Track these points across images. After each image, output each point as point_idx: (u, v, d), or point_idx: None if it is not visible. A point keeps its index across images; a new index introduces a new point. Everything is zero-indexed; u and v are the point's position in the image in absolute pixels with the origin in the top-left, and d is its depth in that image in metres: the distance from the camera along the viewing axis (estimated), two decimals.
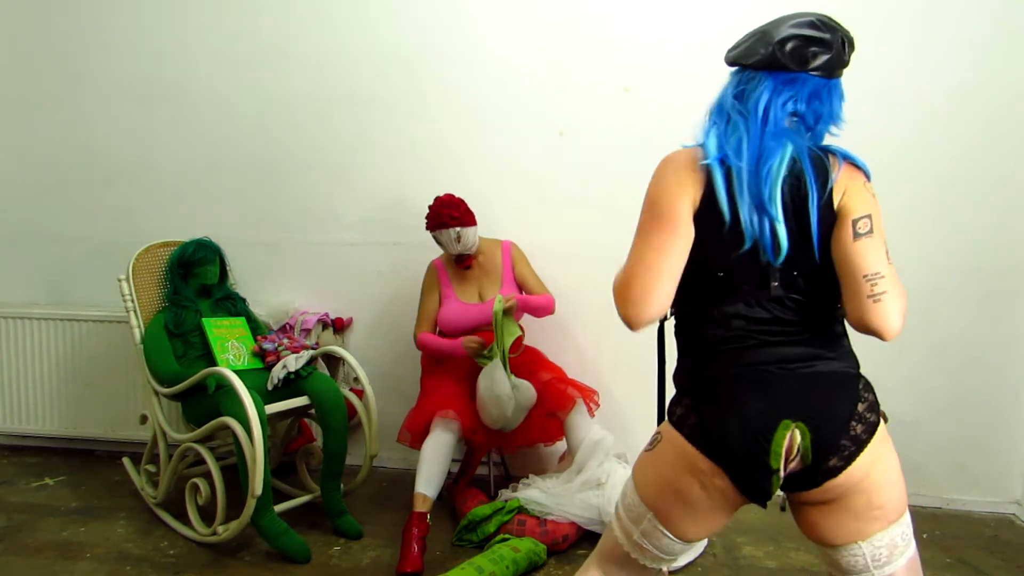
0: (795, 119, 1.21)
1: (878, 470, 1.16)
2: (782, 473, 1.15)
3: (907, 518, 1.20)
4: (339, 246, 3.02)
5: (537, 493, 2.43)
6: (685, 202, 1.19)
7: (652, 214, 1.20)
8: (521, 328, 2.49)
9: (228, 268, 2.76)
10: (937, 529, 2.58)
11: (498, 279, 2.64)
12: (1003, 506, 2.75)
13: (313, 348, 2.59)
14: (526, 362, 2.59)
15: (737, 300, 1.21)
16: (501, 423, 2.41)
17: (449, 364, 2.61)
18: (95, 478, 2.88)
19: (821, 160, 1.19)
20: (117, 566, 2.21)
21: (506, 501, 2.42)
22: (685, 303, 1.27)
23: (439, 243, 2.58)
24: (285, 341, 2.58)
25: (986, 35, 2.58)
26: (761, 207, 1.16)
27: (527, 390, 2.43)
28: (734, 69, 1.30)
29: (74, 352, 3.06)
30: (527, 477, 2.62)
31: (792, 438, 1.14)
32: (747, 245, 1.17)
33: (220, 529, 2.26)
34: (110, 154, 3.12)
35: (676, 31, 2.71)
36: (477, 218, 2.57)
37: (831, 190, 1.17)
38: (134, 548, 2.33)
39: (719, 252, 1.20)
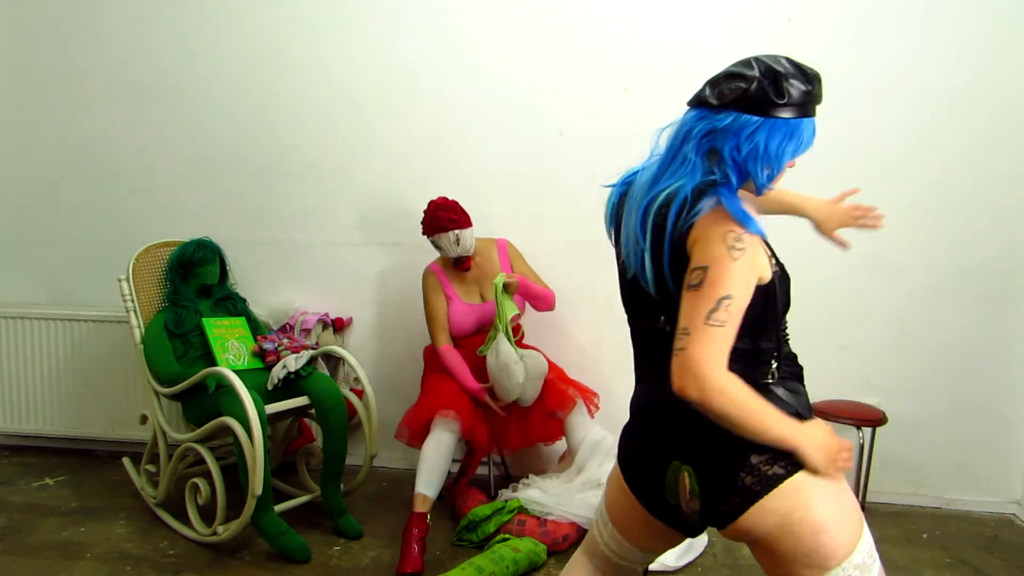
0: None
1: (793, 519, 1.10)
2: (685, 509, 1.19)
3: (853, 560, 1.11)
4: (339, 246, 3.02)
5: (537, 493, 2.43)
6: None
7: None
8: (520, 309, 2.50)
9: (228, 268, 2.76)
10: (937, 529, 2.58)
11: (496, 275, 2.63)
12: (1003, 506, 2.75)
13: (313, 348, 2.60)
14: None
15: (637, 329, 1.27)
16: (517, 392, 2.42)
17: None
18: (95, 478, 2.88)
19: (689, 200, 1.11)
20: (117, 566, 2.21)
21: (506, 501, 2.42)
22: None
23: (437, 247, 2.57)
24: (285, 341, 2.58)
25: (986, 35, 2.58)
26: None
27: (535, 357, 2.45)
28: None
29: (74, 352, 3.06)
30: (527, 477, 2.62)
31: (682, 480, 1.17)
32: (629, 274, 1.21)
33: (220, 529, 2.26)
34: (110, 154, 3.12)
35: (676, 31, 2.71)
36: (475, 219, 2.57)
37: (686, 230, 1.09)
38: (134, 548, 2.33)
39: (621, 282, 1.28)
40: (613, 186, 1.26)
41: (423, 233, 2.57)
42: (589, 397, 2.54)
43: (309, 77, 2.96)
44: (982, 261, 2.66)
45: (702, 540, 2.37)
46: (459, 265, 2.58)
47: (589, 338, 2.90)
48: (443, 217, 2.49)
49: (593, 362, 2.88)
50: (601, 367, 2.86)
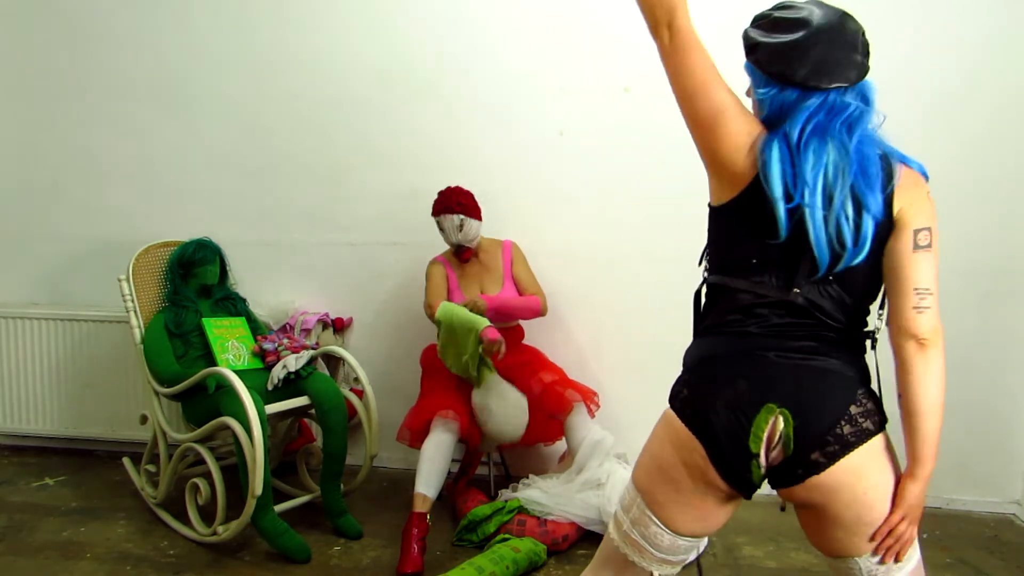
0: None
1: (869, 484, 1.13)
2: (763, 460, 1.13)
3: None
4: (339, 246, 3.02)
5: (537, 493, 2.43)
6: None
7: None
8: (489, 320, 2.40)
9: (228, 268, 2.76)
10: (937, 529, 2.58)
11: (499, 278, 2.64)
12: (1003, 506, 2.75)
13: (313, 348, 2.60)
14: (526, 362, 2.59)
15: (762, 287, 1.18)
16: (506, 431, 2.43)
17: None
18: (95, 478, 2.88)
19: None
20: (117, 566, 2.21)
21: (506, 501, 2.42)
22: (714, 275, 1.27)
23: (441, 229, 2.57)
24: (285, 341, 2.58)
25: (986, 35, 2.58)
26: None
27: (508, 397, 2.44)
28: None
29: (74, 352, 3.06)
30: (527, 477, 2.62)
31: (775, 424, 1.12)
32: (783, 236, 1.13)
33: (220, 529, 2.26)
34: (110, 154, 3.12)
35: None
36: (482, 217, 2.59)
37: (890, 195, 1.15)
38: (134, 548, 2.33)
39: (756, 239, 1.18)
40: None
41: (432, 213, 2.58)
42: (589, 397, 2.54)
43: (309, 77, 2.96)
44: (982, 261, 2.66)
45: (702, 541, 2.36)
46: (460, 254, 2.59)
47: (589, 338, 2.90)
48: (453, 201, 2.52)
49: (593, 362, 2.88)
50: (601, 367, 2.86)
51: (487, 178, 2.87)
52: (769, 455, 1.14)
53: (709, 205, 1.28)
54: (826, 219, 1.12)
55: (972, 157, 2.63)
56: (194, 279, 2.60)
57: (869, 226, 1.12)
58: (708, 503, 1.20)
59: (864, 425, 1.14)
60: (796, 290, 1.16)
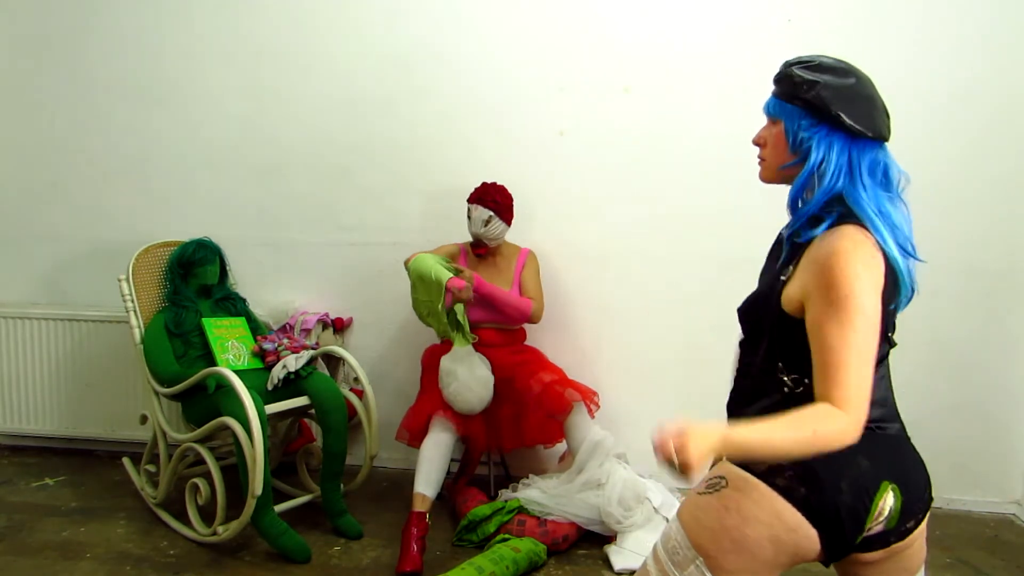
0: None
1: (923, 535, 1.20)
2: (869, 534, 1.13)
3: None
4: (339, 246, 3.02)
5: (537, 493, 2.43)
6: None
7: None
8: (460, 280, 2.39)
9: (228, 268, 2.76)
10: (937, 529, 2.58)
11: (508, 280, 2.65)
12: (1003, 506, 2.75)
13: (313, 348, 2.60)
14: (526, 362, 2.59)
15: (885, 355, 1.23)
16: (467, 399, 2.41)
17: None
18: (95, 478, 2.88)
19: None
20: (117, 566, 2.21)
21: (506, 501, 2.42)
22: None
23: (468, 217, 2.59)
24: (285, 341, 2.58)
25: (986, 35, 2.58)
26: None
27: (477, 370, 2.44)
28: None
29: (74, 352, 3.06)
30: (527, 477, 2.62)
31: (886, 500, 1.12)
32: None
33: (220, 529, 2.26)
34: (110, 154, 3.12)
35: (676, 31, 2.71)
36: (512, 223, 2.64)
37: None
38: (134, 548, 2.33)
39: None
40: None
41: (467, 200, 2.61)
42: (589, 397, 2.54)
43: (309, 77, 2.96)
44: (982, 261, 2.66)
45: None
46: (476, 247, 2.63)
47: (589, 338, 2.90)
48: (489, 195, 2.56)
49: (593, 362, 2.87)
50: (601, 367, 2.86)
51: (487, 178, 2.86)
52: (876, 528, 1.13)
53: None
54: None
55: (972, 157, 2.63)
56: (194, 279, 2.61)
57: None
58: (777, 570, 1.16)
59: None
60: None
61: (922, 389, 2.71)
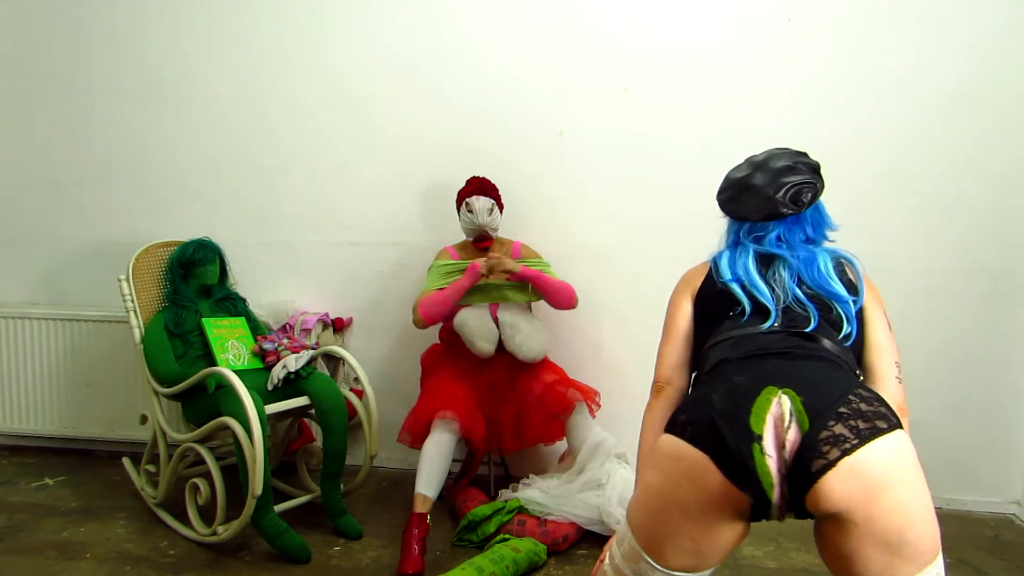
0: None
1: (910, 492, 1.04)
2: (770, 446, 1.05)
3: (940, 559, 1.09)
4: (339, 246, 3.03)
5: (537, 493, 2.43)
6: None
7: None
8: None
9: (228, 268, 2.76)
10: None
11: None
12: (1003, 506, 2.75)
13: (313, 348, 2.59)
14: (527, 361, 2.58)
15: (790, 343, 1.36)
16: (532, 347, 2.48)
17: (449, 364, 2.60)
18: (95, 478, 2.88)
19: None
20: (117, 566, 2.21)
21: (506, 501, 2.42)
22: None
23: (469, 211, 2.55)
24: (285, 341, 2.58)
25: (986, 35, 2.58)
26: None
27: (535, 320, 2.54)
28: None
29: (74, 352, 3.06)
30: (527, 477, 2.62)
31: (780, 403, 1.08)
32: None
33: (220, 529, 2.26)
34: (110, 154, 3.12)
35: (676, 31, 2.71)
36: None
37: None
38: (134, 548, 2.32)
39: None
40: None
41: (461, 196, 2.59)
42: (590, 396, 2.54)
43: (309, 77, 2.96)
44: (982, 261, 2.66)
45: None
46: (480, 241, 2.59)
47: (589, 338, 2.90)
48: (487, 185, 2.58)
49: (593, 362, 2.88)
50: (601, 367, 2.86)
51: (487, 178, 2.87)
52: (784, 439, 1.06)
53: None
54: None
55: (973, 157, 2.63)
56: (194, 279, 2.61)
57: None
58: (704, 530, 1.12)
59: (870, 412, 1.07)
60: None
61: (922, 389, 2.71)
